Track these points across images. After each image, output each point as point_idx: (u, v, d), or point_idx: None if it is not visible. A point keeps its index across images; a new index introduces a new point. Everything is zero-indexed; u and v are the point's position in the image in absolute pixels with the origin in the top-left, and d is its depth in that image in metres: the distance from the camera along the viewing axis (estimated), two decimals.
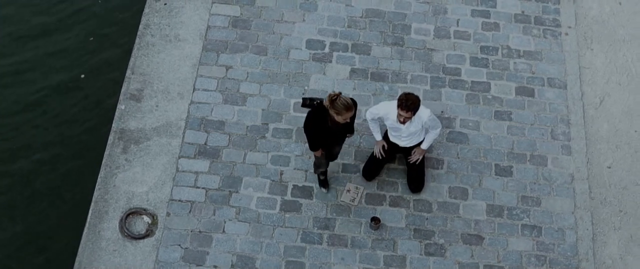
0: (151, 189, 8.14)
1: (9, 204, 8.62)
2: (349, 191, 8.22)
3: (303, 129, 7.39)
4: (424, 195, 8.24)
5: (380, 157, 7.99)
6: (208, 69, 8.87)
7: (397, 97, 7.41)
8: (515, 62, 9.08)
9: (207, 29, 9.15)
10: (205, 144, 8.41)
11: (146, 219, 7.99)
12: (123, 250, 7.84)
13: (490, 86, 8.92)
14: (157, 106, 8.63)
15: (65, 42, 9.67)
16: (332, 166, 8.22)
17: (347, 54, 9.04)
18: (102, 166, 8.25)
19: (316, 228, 8.00)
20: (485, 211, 8.17)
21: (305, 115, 7.54)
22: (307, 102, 7.44)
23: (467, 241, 7.99)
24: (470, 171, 8.39)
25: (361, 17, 9.32)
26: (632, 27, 9.46)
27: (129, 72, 8.82)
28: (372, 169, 8.20)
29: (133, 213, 8.01)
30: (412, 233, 8.03)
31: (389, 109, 7.58)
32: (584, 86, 9.02)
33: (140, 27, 9.12)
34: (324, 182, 8.13)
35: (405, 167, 8.32)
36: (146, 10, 9.26)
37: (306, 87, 8.78)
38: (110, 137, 8.40)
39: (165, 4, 9.31)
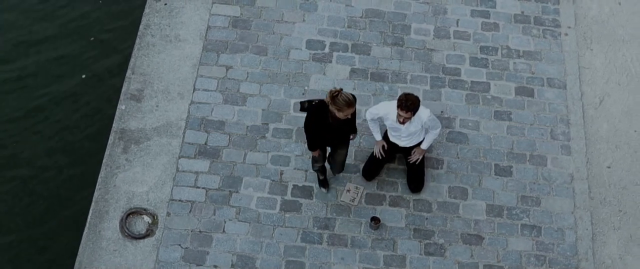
0: (151, 189, 8.15)
1: (10, 208, 8.62)
2: (349, 191, 8.22)
3: (304, 128, 7.39)
4: (423, 195, 8.25)
5: (380, 157, 8.00)
6: (208, 69, 8.87)
7: (397, 97, 7.41)
8: (514, 62, 9.09)
9: (207, 29, 9.16)
10: (205, 144, 8.42)
11: (146, 219, 7.99)
12: (123, 250, 7.84)
13: (490, 86, 8.92)
14: (157, 106, 8.64)
15: (66, 48, 9.65)
16: None
17: (347, 54, 9.05)
18: (102, 166, 8.25)
19: (316, 228, 8.01)
20: (485, 211, 8.18)
21: (305, 115, 7.54)
22: (305, 105, 7.46)
23: (467, 241, 8.00)
24: (470, 171, 8.39)
25: (361, 17, 9.32)
26: (632, 27, 9.47)
27: (129, 72, 8.82)
28: (372, 169, 8.21)
29: (133, 212, 8.01)
30: (412, 232, 8.03)
31: (388, 109, 7.59)
32: (584, 86, 9.03)
33: (141, 27, 9.12)
34: (323, 182, 8.14)
35: (405, 167, 8.33)
36: (146, 10, 9.26)
37: (306, 87, 8.78)
38: (111, 137, 8.40)
39: (165, 4, 9.31)
